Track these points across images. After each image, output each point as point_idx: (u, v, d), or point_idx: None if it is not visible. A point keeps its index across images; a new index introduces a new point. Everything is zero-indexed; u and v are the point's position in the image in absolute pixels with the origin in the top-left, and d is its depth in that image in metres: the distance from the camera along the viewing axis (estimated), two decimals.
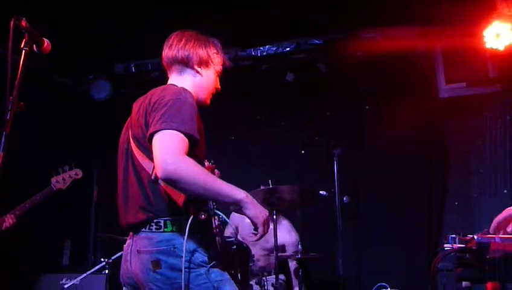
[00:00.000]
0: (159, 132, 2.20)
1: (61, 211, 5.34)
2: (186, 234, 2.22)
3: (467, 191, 5.31)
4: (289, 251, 5.02)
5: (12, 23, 2.49)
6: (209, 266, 2.30)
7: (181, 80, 2.57)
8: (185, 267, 2.23)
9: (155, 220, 2.30)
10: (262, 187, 4.46)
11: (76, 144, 5.71)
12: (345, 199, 5.15)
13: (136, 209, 2.35)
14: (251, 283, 4.25)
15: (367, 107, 5.72)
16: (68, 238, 5.51)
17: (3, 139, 2.19)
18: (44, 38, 2.59)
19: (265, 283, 4.33)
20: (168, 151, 2.15)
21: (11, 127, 2.23)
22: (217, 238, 2.42)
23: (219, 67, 2.65)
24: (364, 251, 5.34)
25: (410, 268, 4.93)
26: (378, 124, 5.30)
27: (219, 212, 2.33)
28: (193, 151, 2.25)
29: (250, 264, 4.22)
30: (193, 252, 2.27)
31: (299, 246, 4.52)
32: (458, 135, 5.39)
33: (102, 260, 4.65)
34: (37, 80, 4.89)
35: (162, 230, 2.29)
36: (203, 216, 2.24)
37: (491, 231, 2.43)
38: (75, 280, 4.74)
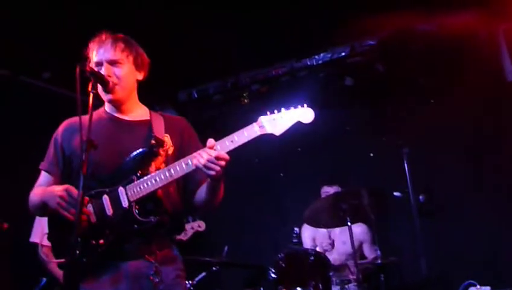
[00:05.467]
0: None
1: None
2: None
3: None
4: (368, 257, 4.94)
5: (78, 69, 2.67)
6: None
7: None
8: None
9: None
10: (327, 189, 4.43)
11: None
12: (420, 197, 5.04)
13: None
14: None
15: (432, 101, 5.55)
16: None
17: (81, 179, 2.33)
18: (109, 78, 2.74)
19: None
20: None
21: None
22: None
23: (98, 59, 2.71)
24: (447, 249, 5.13)
25: (500, 262, 4.69)
26: (445, 116, 5.14)
27: None
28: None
29: (330, 273, 4.20)
30: None
31: (378, 251, 4.44)
32: None
33: (187, 282, 4.61)
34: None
35: None
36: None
37: None
38: None
